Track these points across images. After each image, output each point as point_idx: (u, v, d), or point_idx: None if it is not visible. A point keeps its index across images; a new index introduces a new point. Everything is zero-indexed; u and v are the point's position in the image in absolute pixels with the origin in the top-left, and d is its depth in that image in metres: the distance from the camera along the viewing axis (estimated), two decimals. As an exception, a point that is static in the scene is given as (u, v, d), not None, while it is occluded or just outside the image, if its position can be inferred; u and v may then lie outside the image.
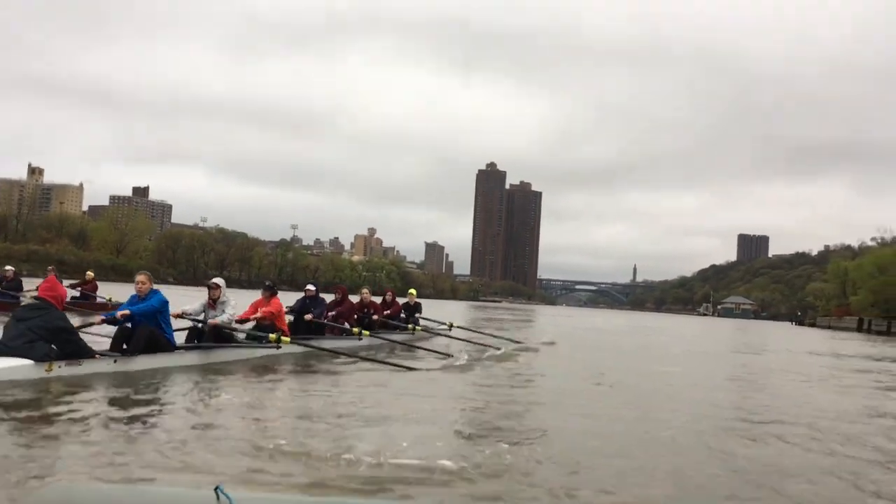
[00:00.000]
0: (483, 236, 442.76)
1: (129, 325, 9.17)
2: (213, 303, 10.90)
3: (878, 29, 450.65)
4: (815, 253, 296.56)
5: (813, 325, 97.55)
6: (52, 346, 7.75)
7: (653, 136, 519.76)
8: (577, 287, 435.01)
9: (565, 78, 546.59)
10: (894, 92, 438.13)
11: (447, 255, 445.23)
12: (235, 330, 10.95)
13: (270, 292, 12.26)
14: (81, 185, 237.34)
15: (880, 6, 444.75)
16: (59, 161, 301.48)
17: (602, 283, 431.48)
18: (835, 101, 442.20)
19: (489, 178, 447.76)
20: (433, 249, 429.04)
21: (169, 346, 9.43)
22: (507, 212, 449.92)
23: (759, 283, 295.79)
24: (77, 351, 8.05)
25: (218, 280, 11.40)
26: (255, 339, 10.95)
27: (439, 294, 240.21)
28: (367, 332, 13.92)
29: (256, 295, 12.76)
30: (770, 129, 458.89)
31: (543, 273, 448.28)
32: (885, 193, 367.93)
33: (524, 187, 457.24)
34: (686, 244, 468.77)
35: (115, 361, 8.54)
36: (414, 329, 16.07)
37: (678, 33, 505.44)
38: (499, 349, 14.51)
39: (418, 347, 13.81)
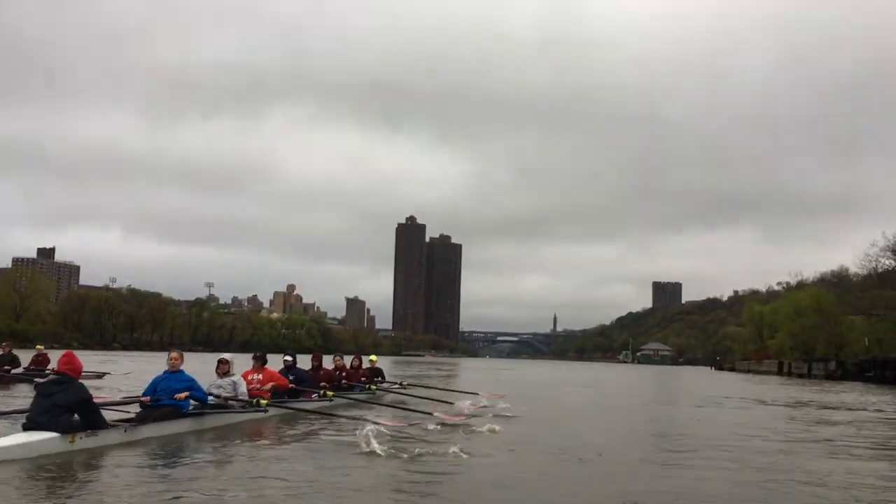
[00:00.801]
0: (404, 290, 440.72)
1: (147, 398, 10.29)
2: (223, 375, 11.75)
3: (786, 83, 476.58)
4: (725, 298, 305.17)
5: (732, 369, 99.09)
6: (76, 416, 8.40)
7: (570, 189, 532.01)
8: (499, 339, 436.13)
9: (485, 135, 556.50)
10: (798, 144, 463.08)
11: (368, 310, 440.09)
12: (233, 397, 11.57)
13: (262, 361, 13.42)
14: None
15: (788, 61, 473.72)
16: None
17: (523, 334, 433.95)
18: (742, 154, 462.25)
19: (409, 232, 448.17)
20: (354, 305, 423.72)
21: (176, 414, 10.24)
22: (428, 265, 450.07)
23: (675, 329, 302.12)
24: (95, 421, 8.68)
25: (227, 356, 12.10)
26: (244, 403, 11.63)
27: (361, 350, 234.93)
28: (332, 394, 14.68)
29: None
30: (682, 181, 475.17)
31: (465, 325, 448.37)
32: (789, 240, 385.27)
33: (444, 240, 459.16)
34: (604, 293, 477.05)
35: (125, 431, 9.21)
36: (371, 388, 17.33)
37: (593, 92, 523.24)
38: (456, 403, 15.15)
39: (382, 405, 14.71)
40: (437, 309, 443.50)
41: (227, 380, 11.69)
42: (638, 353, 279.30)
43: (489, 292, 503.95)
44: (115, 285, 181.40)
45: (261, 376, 13.00)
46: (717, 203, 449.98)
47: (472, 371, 55.59)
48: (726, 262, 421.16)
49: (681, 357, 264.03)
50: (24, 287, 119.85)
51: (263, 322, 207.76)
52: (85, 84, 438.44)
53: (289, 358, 14.97)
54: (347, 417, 11.91)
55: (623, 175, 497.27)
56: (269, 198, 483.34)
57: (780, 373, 68.86)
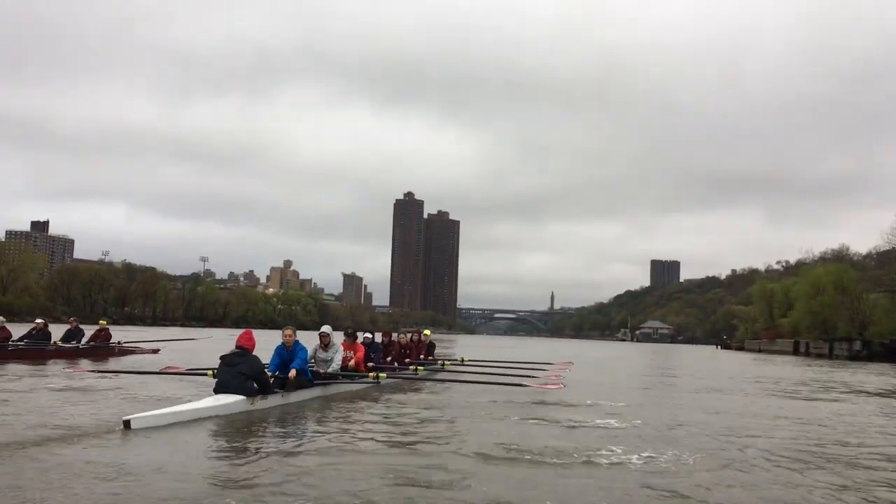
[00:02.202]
0: (402, 266, 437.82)
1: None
2: (325, 347, 13.29)
3: (802, 66, 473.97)
4: (723, 277, 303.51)
5: (741, 348, 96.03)
6: (254, 384, 10.39)
7: (574, 168, 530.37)
8: (497, 316, 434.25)
9: (491, 113, 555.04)
10: (808, 126, 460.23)
11: (366, 286, 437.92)
12: (339, 373, 13.31)
13: (353, 338, 14.63)
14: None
15: (806, 44, 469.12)
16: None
17: (521, 311, 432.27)
18: (751, 135, 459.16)
19: (406, 208, 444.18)
20: (351, 281, 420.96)
21: (309, 383, 12.10)
22: (426, 241, 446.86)
23: (674, 308, 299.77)
24: (266, 387, 10.69)
25: (326, 328, 13.56)
26: (357, 376, 13.67)
27: (358, 327, 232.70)
28: (422, 368, 16.57)
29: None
30: (688, 161, 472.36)
31: (463, 302, 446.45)
32: (791, 221, 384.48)
33: (442, 216, 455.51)
34: (602, 271, 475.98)
35: (281, 396, 11.18)
36: (444, 364, 18.74)
37: (607, 74, 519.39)
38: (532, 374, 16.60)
39: (469, 374, 17.05)
40: (435, 286, 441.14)
41: (330, 352, 13.27)
42: (637, 332, 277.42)
43: (487, 270, 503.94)
44: (112, 260, 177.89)
45: (352, 353, 14.23)
46: (722, 183, 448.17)
47: (479, 348, 52.09)
48: (726, 242, 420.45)
49: (679, 335, 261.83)
50: (11, 259, 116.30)
51: (259, 297, 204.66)
52: (96, 61, 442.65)
53: (369, 335, 15.98)
54: (462, 382, 14.62)
55: (630, 155, 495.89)
56: (275, 175, 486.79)
57: (795, 352, 65.75)
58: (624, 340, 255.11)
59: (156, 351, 25.18)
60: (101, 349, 22.75)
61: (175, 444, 7.66)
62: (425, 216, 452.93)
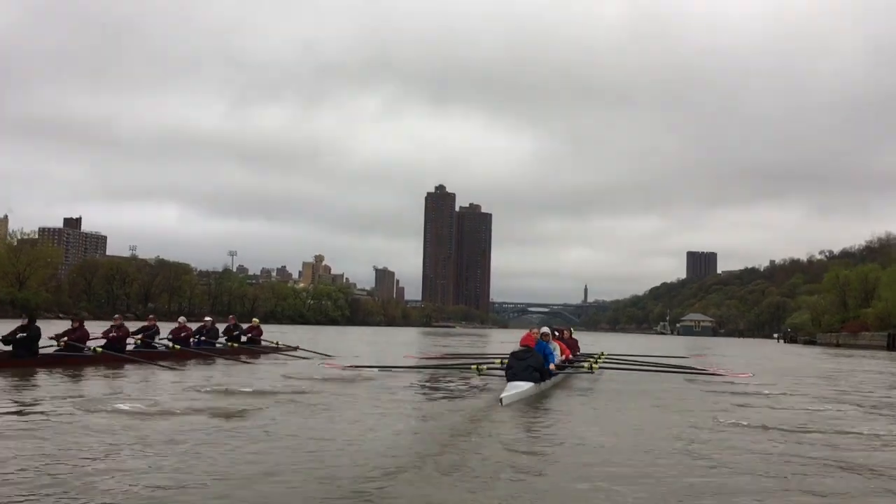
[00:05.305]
0: (434, 260, 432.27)
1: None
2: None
3: (870, 63, 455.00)
4: (762, 268, 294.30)
5: (811, 342, 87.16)
6: (539, 374, 13.35)
7: (622, 164, 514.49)
8: (530, 309, 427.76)
9: (544, 111, 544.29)
10: (868, 120, 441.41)
11: (398, 280, 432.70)
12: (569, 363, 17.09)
13: (554, 336, 17.42)
14: (6, 216, 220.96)
15: (877, 40, 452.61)
16: (33, 202, 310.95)
17: (554, 305, 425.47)
18: (809, 131, 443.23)
19: (438, 201, 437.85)
20: (383, 275, 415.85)
21: (550, 375, 14.91)
22: (458, 235, 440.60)
23: (714, 300, 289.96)
24: (544, 377, 13.82)
25: (546, 329, 16.19)
26: (578, 365, 17.59)
27: (390, 321, 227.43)
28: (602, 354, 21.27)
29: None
30: (736, 156, 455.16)
31: (496, 296, 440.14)
32: (835, 214, 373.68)
33: (474, 209, 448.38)
34: (638, 265, 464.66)
35: (540, 385, 13.76)
36: (598, 357, 20.80)
37: (664, 72, 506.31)
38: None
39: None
40: (467, 280, 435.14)
41: (550, 345, 15.59)
42: (677, 324, 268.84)
43: (521, 264, 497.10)
44: (142, 255, 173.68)
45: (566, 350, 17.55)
46: (768, 177, 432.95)
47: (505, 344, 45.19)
48: (766, 235, 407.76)
49: (721, 328, 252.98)
50: (25, 255, 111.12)
51: (289, 292, 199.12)
52: (162, 68, 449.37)
53: (556, 333, 18.61)
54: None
55: (679, 151, 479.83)
56: (323, 177, 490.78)
57: (890, 348, 57.62)
58: (663, 334, 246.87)
59: (294, 348, 26.99)
60: (264, 347, 24.80)
61: (534, 413, 11.11)
62: (457, 209, 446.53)
